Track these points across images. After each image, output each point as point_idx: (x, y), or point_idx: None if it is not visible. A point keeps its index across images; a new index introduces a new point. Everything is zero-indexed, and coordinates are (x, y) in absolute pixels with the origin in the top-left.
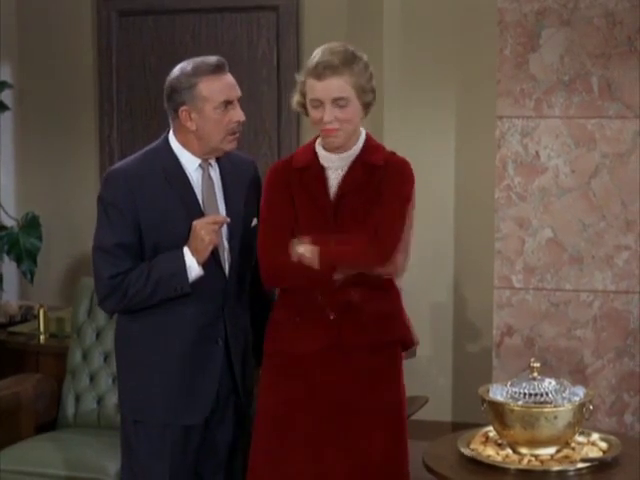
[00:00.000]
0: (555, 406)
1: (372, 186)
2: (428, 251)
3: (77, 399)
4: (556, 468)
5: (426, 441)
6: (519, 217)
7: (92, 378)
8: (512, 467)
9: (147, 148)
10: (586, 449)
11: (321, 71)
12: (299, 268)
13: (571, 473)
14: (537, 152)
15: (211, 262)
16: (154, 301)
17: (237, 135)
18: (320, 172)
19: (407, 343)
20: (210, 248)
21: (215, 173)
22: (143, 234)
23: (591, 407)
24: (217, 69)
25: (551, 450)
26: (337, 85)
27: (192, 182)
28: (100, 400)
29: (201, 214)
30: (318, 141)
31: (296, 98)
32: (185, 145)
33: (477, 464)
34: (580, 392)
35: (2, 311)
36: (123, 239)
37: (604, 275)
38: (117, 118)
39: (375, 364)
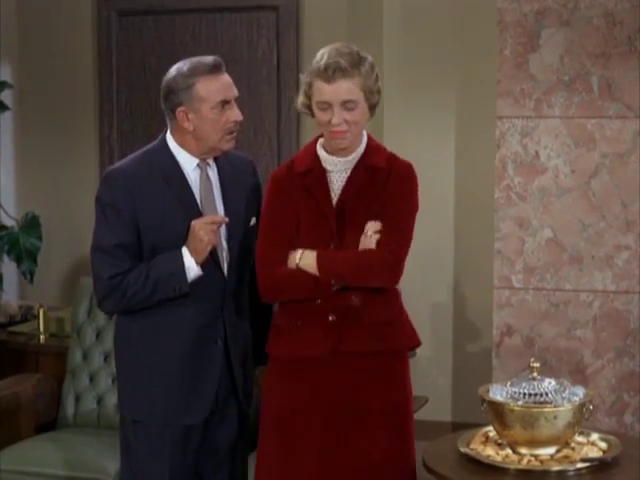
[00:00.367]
0: (555, 406)
1: (375, 189)
2: (428, 251)
3: (77, 399)
4: (556, 468)
5: (426, 441)
6: (519, 217)
7: (92, 378)
8: (512, 467)
9: (144, 148)
10: (586, 449)
11: (330, 74)
12: (297, 280)
13: (571, 473)
14: (537, 152)
15: (210, 262)
16: (153, 301)
17: (235, 134)
18: (322, 175)
19: (411, 347)
20: (209, 248)
21: (213, 173)
22: (141, 234)
23: (591, 407)
24: (214, 69)
25: (551, 450)
26: (346, 88)
27: (190, 182)
28: (100, 400)
29: (199, 214)
30: (319, 143)
31: (300, 99)
32: (183, 145)
33: (477, 464)
34: (580, 392)
35: (2, 311)
36: (122, 239)
37: (604, 275)
38: (117, 118)
39: (379, 365)
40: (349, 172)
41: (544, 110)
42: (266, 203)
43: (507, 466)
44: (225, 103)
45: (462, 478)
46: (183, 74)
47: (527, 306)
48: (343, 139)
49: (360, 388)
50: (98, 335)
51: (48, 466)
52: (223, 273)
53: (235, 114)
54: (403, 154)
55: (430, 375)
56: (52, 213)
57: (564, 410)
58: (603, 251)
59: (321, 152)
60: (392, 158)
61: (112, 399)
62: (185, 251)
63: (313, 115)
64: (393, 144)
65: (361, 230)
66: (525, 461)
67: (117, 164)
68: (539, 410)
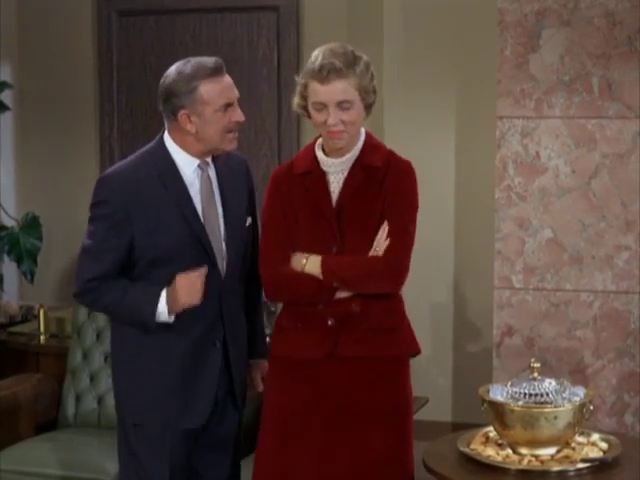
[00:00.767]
0: (555, 406)
1: (373, 188)
2: (428, 251)
3: (77, 399)
4: (556, 468)
5: (426, 441)
6: (519, 217)
7: (92, 378)
8: (512, 467)
9: (141, 150)
10: (586, 449)
11: (324, 74)
12: (300, 282)
13: (571, 473)
14: (537, 152)
15: (207, 264)
16: (123, 321)
17: (236, 135)
18: (321, 177)
19: (409, 355)
20: (185, 307)
21: (212, 173)
22: (136, 238)
23: (591, 407)
24: (216, 71)
25: (551, 450)
26: (341, 88)
27: (188, 184)
28: (100, 400)
29: (196, 215)
30: (317, 144)
31: (296, 100)
32: (182, 146)
33: (477, 464)
34: (580, 392)
35: (2, 311)
36: (107, 245)
37: (604, 275)
38: (117, 118)
39: (378, 369)
40: (346, 173)
41: (544, 110)
42: (267, 203)
43: (507, 466)
44: (228, 105)
45: (462, 478)
46: (185, 77)
47: (527, 306)
48: (340, 139)
49: (359, 390)
50: (98, 335)
51: (48, 466)
52: (220, 275)
53: (238, 115)
54: (403, 154)
55: (430, 375)
56: (52, 213)
57: (564, 410)
58: (603, 251)
59: (319, 153)
60: (390, 156)
61: (112, 399)
62: (163, 295)
63: (309, 116)
64: (393, 144)
65: (362, 231)
66: (525, 461)
67: (111, 168)
68: (539, 410)
